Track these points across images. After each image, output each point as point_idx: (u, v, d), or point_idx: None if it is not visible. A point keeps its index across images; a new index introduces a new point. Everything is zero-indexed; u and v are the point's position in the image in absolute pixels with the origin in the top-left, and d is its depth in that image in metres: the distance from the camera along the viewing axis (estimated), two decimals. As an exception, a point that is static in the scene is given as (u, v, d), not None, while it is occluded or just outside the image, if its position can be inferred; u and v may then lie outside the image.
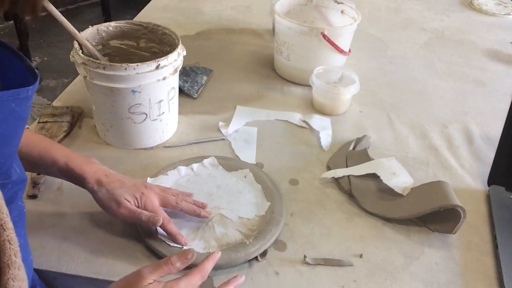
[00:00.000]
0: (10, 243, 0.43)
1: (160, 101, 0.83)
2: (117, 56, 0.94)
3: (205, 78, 1.10)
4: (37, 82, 0.46)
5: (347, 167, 0.84)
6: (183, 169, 0.81)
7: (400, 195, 0.77)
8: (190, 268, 0.59)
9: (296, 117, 0.99)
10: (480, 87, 1.17)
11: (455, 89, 1.15)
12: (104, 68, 0.76)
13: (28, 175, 0.77)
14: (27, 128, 0.69)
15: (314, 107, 1.03)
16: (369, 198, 0.78)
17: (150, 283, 0.53)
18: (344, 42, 1.07)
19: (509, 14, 1.60)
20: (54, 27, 3.12)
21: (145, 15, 1.44)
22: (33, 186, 0.77)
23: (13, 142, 0.47)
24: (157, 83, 0.80)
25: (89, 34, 0.87)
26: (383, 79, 1.18)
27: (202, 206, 0.73)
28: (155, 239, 0.67)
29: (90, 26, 0.88)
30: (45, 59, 2.82)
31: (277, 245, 0.70)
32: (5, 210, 0.42)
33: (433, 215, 0.72)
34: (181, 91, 1.01)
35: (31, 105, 0.47)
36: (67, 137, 0.90)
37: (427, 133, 0.98)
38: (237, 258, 0.66)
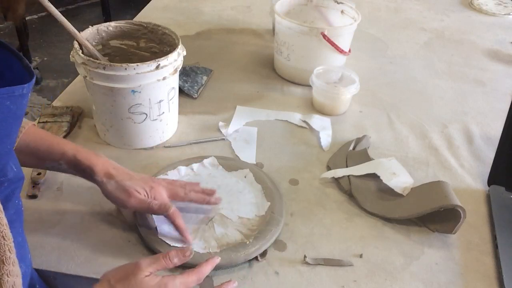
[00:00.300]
0: (4, 239, 0.43)
1: (160, 101, 0.83)
2: (117, 56, 0.94)
3: (205, 78, 1.10)
4: (33, 80, 0.46)
5: (347, 167, 0.84)
6: (183, 169, 0.81)
7: (400, 195, 0.77)
8: (188, 268, 0.60)
9: (296, 117, 0.99)
10: (480, 87, 1.17)
11: (455, 89, 1.15)
12: (104, 68, 0.76)
13: (28, 175, 0.77)
14: (34, 125, 0.69)
15: (314, 107, 1.03)
16: (369, 198, 0.78)
17: (146, 275, 0.55)
18: (344, 42, 1.07)
19: (509, 14, 1.60)
20: (54, 27, 3.12)
21: (145, 15, 1.44)
22: (33, 186, 0.77)
23: (8, 140, 0.47)
24: (157, 83, 0.80)
25: (89, 34, 0.87)
26: (383, 79, 1.18)
27: (211, 193, 0.73)
28: (155, 239, 0.67)
29: (90, 26, 0.88)
30: (45, 59, 2.82)
31: (277, 245, 0.70)
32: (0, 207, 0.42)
33: (433, 215, 0.72)
34: (181, 91, 1.01)
35: (27, 103, 0.47)
36: (67, 137, 0.90)
37: (427, 133, 0.98)
38: (237, 258, 0.66)
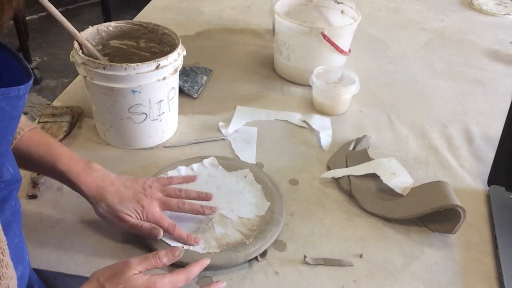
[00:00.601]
0: None
1: (160, 101, 0.83)
2: (117, 56, 0.94)
3: (205, 78, 1.10)
4: (30, 82, 0.46)
5: (347, 167, 0.84)
6: (183, 169, 0.81)
7: (400, 195, 0.77)
8: (178, 267, 0.61)
9: (296, 117, 0.99)
10: (480, 87, 1.17)
11: (455, 89, 1.15)
12: (104, 68, 0.76)
13: (28, 175, 0.77)
14: (35, 128, 0.68)
15: (314, 107, 1.03)
16: (369, 198, 0.78)
17: (135, 274, 0.55)
18: (344, 42, 1.07)
19: (509, 14, 1.60)
20: (54, 27, 3.13)
21: (145, 15, 1.44)
22: (33, 186, 0.77)
23: (3, 141, 0.46)
24: (157, 83, 0.80)
25: (89, 34, 0.87)
26: (383, 79, 1.18)
27: (207, 198, 0.72)
28: (155, 240, 0.67)
29: (90, 26, 0.88)
30: (45, 59, 2.82)
31: (277, 245, 0.70)
32: None
33: (433, 215, 0.72)
34: (181, 91, 1.01)
35: (24, 105, 0.47)
36: (67, 137, 0.90)
37: (427, 133, 0.98)
38: (237, 258, 0.66)
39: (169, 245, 0.67)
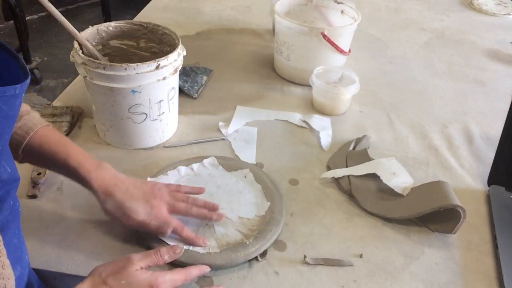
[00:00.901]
0: None
1: (160, 101, 0.83)
2: (117, 56, 0.94)
3: (205, 78, 1.10)
4: (27, 81, 0.46)
5: (347, 167, 0.84)
6: (183, 169, 0.81)
7: (400, 195, 0.77)
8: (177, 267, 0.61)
9: (296, 117, 0.99)
10: (480, 87, 1.17)
11: (455, 89, 1.15)
12: (104, 68, 0.76)
13: (28, 175, 0.77)
14: (48, 125, 0.69)
15: (314, 107, 1.03)
16: (369, 198, 0.78)
17: (137, 270, 0.57)
18: (344, 42, 1.07)
19: (509, 14, 1.60)
20: (54, 27, 3.12)
21: (145, 15, 1.44)
22: (33, 186, 0.77)
23: (0, 140, 0.46)
24: (157, 83, 0.80)
25: (89, 34, 0.87)
26: (383, 79, 1.18)
27: (214, 209, 0.72)
28: (155, 240, 0.67)
29: (90, 26, 0.88)
30: (45, 59, 2.82)
31: (277, 245, 0.70)
32: None
33: (433, 215, 0.72)
34: (181, 91, 1.01)
35: (20, 104, 0.47)
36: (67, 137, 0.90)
37: (427, 133, 0.98)
38: (237, 258, 0.66)
39: (169, 245, 0.67)
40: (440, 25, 1.50)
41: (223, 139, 0.92)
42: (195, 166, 0.82)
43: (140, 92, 0.79)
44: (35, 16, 3.31)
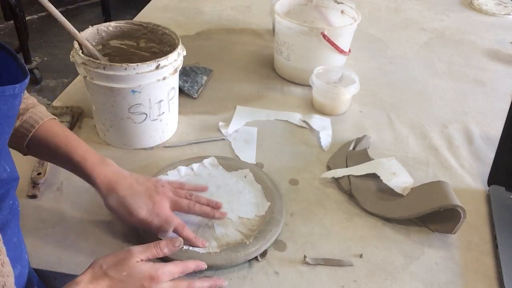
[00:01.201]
0: None
1: (160, 101, 0.83)
2: (117, 56, 0.94)
3: (205, 78, 1.10)
4: (26, 81, 0.46)
5: (347, 167, 0.84)
6: (183, 169, 0.81)
7: (400, 195, 0.77)
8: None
9: (296, 117, 0.99)
10: (480, 87, 1.17)
11: (455, 89, 1.15)
12: (104, 68, 0.76)
13: (28, 175, 0.77)
14: (54, 119, 0.69)
15: (314, 107, 1.03)
16: (369, 198, 0.78)
17: (138, 262, 0.57)
18: (344, 42, 1.07)
19: (509, 14, 1.60)
20: (54, 27, 3.13)
21: (145, 15, 1.44)
22: (33, 186, 0.77)
23: None
24: (157, 83, 0.80)
25: (89, 34, 0.87)
26: (383, 79, 1.18)
27: (217, 207, 0.72)
28: (155, 239, 0.67)
29: (90, 26, 0.88)
30: (45, 59, 2.82)
31: (277, 245, 0.70)
32: None
33: (433, 215, 0.72)
34: (181, 91, 1.01)
35: (20, 103, 0.47)
36: (67, 137, 0.90)
37: (427, 133, 0.98)
38: (237, 258, 0.66)
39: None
40: (440, 25, 1.50)
41: (223, 139, 0.92)
42: (195, 166, 0.82)
43: (140, 92, 0.79)
44: (35, 16, 3.31)
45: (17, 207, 0.54)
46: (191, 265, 0.62)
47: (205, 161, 0.83)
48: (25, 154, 0.68)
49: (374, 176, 0.80)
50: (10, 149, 0.54)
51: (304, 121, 0.98)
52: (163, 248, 0.62)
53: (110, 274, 0.55)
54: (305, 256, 0.68)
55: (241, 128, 0.95)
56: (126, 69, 0.76)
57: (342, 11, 1.15)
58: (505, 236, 0.72)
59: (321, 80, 1.00)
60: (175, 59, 0.82)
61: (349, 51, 1.10)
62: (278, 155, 0.89)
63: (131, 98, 0.80)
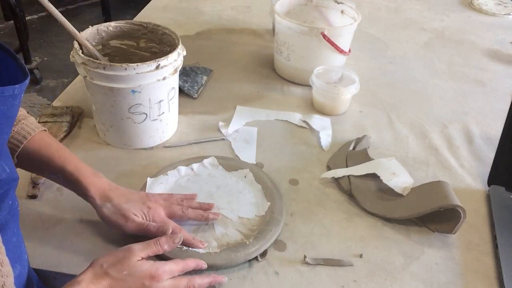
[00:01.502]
0: None
1: (160, 101, 0.83)
2: (117, 56, 0.94)
3: (205, 78, 1.10)
4: (26, 81, 0.46)
5: (347, 167, 0.84)
6: (183, 169, 0.81)
7: (400, 195, 0.77)
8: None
9: (296, 117, 0.99)
10: (480, 87, 1.17)
11: (455, 89, 1.15)
12: (104, 68, 0.76)
13: (28, 175, 0.77)
14: (45, 130, 0.69)
15: (314, 107, 1.03)
16: (369, 198, 0.78)
17: (138, 260, 0.58)
18: (344, 42, 1.07)
19: (509, 14, 1.60)
20: (54, 27, 3.12)
21: (145, 15, 1.44)
22: (33, 186, 0.77)
23: None
24: (157, 83, 0.80)
25: (89, 34, 0.87)
26: (383, 79, 1.18)
27: (208, 208, 0.73)
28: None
29: (90, 26, 0.88)
30: (45, 59, 2.82)
31: (277, 245, 0.70)
32: None
33: (433, 215, 0.72)
34: (181, 91, 1.01)
35: (19, 104, 0.47)
36: (67, 137, 0.90)
37: (427, 133, 0.98)
38: (237, 258, 0.66)
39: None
40: (440, 25, 1.50)
41: (223, 139, 0.92)
42: (195, 166, 0.82)
43: (140, 92, 0.79)
44: (35, 16, 3.31)
45: (16, 207, 0.54)
46: (191, 263, 0.62)
47: (205, 161, 0.83)
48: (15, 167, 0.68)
49: (374, 176, 0.80)
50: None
51: (304, 121, 0.98)
52: (163, 244, 0.62)
53: (111, 273, 0.55)
54: (305, 256, 0.68)
55: (241, 128, 0.95)
56: (126, 69, 0.76)
57: (342, 11, 1.15)
58: (505, 236, 0.72)
59: (321, 80, 1.00)
60: (175, 59, 0.82)
61: (349, 51, 1.10)
62: (278, 155, 0.89)
63: (131, 98, 0.80)
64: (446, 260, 0.70)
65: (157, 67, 0.78)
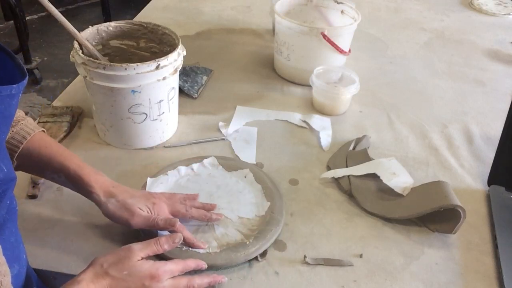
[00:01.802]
0: None
1: (160, 101, 0.83)
2: (117, 56, 0.94)
3: (205, 78, 1.10)
4: (24, 81, 0.46)
5: (347, 167, 0.84)
6: (183, 169, 0.81)
7: (400, 195, 0.77)
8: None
9: (296, 117, 0.99)
10: (480, 87, 1.17)
11: (455, 89, 1.15)
12: (104, 68, 0.76)
13: (28, 175, 0.77)
14: (43, 131, 0.69)
15: (314, 107, 1.03)
16: (369, 198, 0.78)
17: (138, 260, 0.58)
18: (344, 42, 1.07)
19: (509, 14, 1.60)
20: (54, 27, 3.12)
21: (145, 15, 1.44)
22: (33, 186, 0.77)
23: None
24: (157, 83, 0.80)
25: (89, 34, 0.87)
26: (383, 79, 1.18)
27: (211, 208, 0.73)
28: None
29: (90, 26, 0.88)
30: (45, 59, 2.82)
31: (277, 245, 0.70)
32: None
33: (433, 215, 0.72)
34: (181, 91, 1.01)
35: (17, 104, 0.47)
36: (67, 137, 0.90)
37: (427, 133, 0.98)
38: (237, 258, 0.66)
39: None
40: (440, 25, 1.50)
41: (223, 139, 0.92)
42: (195, 166, 0.82)
43: (140, 92, 0.79)
44: (35, 16, 3.31)
45: (14, 207, 0.54)
46: (192, 263, 0.62)
47: (205, 161, 0.83)
48: (14, 169, 0.67)
49: (374, 176, 0.80)
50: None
51: (304, 121, 0.98)
52: (163, 244, 0.62)
53: (111, 273, 0.56)
54: (305, 256, 0.68)
55: (241, 128, 0.95)
56: (126, 69, 0.76)
57: (342, 11, 1.15)
58: (505, 236, 0.72)
59: (321, 80, 1.00)
60: (175, 59, 0.82)
61: (349, 51, 1.10)
62: (278, 155, 0.89)
63: (131, 98, 0.80)
64: (446, 260, 0.70)
65: (157, 67, 0.78)
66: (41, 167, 0.67)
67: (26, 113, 0.71)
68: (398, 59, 1.28)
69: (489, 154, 0.90)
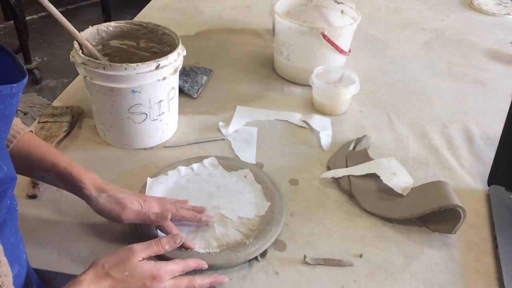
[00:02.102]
0: None
1: (160, 101, 0.83)
2: (117, 56, 0.94)
3: (205, 78, 1.10)
4: (24, 80, 0.46)
5: (347, 167, 0.84)
6: (183, 169, 0.81)
7: (400, 195, 0.77)
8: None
9: (296, 117, 0.99)
10: (480, 87, 1.17)
11: (455, 89, 1.15)
12: (104, 68, 0.76)
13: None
14: (31, 131, 0.69)
15: (314, 107, 1.03)
16: (369, 198, 0.78)
17: (139, 260, 0.58)
18: (344, 42, 1.07)
19: (509, 14, 1.60)
20: (54, 27, 3.12)
21: (145, 15, 1.44)
22: (33, 186, 0.77)
23: None
24: (157, 83, 0.80)
25: (89, 34, 0.87)
26: (383, 79, 1.18)
27: (201, 211, 0.73)
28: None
29: (90, 26, 0.88)
30: (45, 59, 2.82)
31: (277, 245, 0.70)
32: None
33: (433, 215, 0.72)
34: (181, 91, 1.01)
35: (17, 103, 0.47)
36: (67, 137, 0.90)
37: (427, 133, 0.98)
38: (237, 258, 0.66)
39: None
40: (440, 25, 1.50)
41: (223, 139, 0.92)
42: (195, 166, 0.82)
43: (140, 92, 0.79)
44: (35, 16, 3.31)
45: (15, 206, 0.54)
46: (192, 263, 0.62)
47: (205, 161, 0.83)
48: None
49: (374, 176, 0.80)
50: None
51: (304, 121, 0.98)
52: (165, 245, 0.62)
53: (112, 274, 0.56)
54: (305, 256, 0.68)
55: (241, 128, 0.95)
56: (126, 69, 0.76)
57: (342, 11, 1.15)
58: (505, 236, 0.72)
59: (321, 80, 1.00)
60: (175, 59, 0.82)
61: (349, 51, 1.10)
62: (278, 155, 0.89)
63: (131, 98, 0.80)
64: (446, 260, 0.70)
65: (157, 67, 0.78)
66: (30, 166, 0.67)
67: (26, 113, 0.71)
68: (398, 59, 1.28)
69: (489, 154, 0.90)
